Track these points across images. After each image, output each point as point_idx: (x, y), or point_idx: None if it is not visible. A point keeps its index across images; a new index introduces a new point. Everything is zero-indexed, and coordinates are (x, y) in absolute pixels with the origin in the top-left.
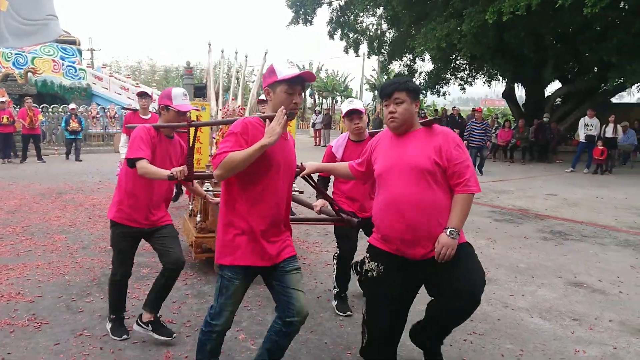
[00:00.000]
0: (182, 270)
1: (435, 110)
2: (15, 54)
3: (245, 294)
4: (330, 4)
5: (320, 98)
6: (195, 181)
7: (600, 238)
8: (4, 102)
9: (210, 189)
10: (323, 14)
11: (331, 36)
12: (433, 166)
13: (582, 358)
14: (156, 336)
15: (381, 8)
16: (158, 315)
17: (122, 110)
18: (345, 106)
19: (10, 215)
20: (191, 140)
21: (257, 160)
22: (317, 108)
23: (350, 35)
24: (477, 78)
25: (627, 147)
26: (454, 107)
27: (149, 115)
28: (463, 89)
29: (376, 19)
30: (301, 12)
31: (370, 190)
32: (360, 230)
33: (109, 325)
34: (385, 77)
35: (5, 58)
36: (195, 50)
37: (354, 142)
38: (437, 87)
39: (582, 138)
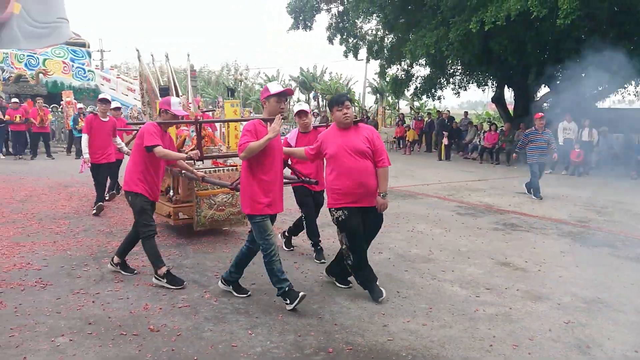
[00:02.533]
0: (166, 248)
1: (429, 113)
2: (28, 56)
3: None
4: (328, 10)
5: (324, 100)
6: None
7: (546, 229)
8: (17, 102)
9: (199, 166)
10: (322, 20)
11: (330, 41)
12: (366, 149)
13: (478, 314)
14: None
15: (374, 15)
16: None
17: (86, 112)
18: (296, 108)
19: (22, 204)
20: (198, 132)
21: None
22: (315, 110)
23: (350, 40)
24: (471, 83)
25: (605, 151)
26: (443, 111)
27: (107, 119)
28: (457, 93)
29: (375, 24)
30: (300, 18)
31: (315, 169)
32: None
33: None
34: (386, 81)
35: (18, 60)
36: (202, 52)
37: (303, 134)
38: (433, 91)
39: (560, 141)
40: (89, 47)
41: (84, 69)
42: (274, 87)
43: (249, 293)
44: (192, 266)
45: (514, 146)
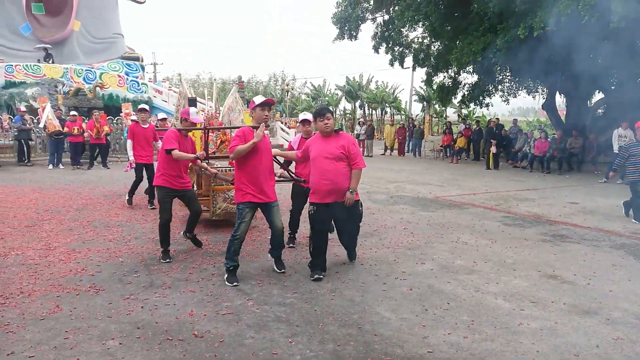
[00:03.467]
0: (212, 256)
1: (477, 121)
2: (86, 70)
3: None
4: (373, 20)
5: (370, 109)
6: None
7: (598, 241)
8: (75, 115)
9: (217, 165)
10: (367, 29)
11: (376, 50)
12: (341, 154)
13: (522, 328)
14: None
15: (420, 23)
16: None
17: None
18: (301, 116)
19: (78, 212)
20: (206, 136)
21: (250, 150)
22: (361, 119)
23: (395, 48)
24: (520, 90)
25: None
26: (491, 119)
27: (147, 125)
28: (506, 100)
29: (420, 32)
30: (346, 28)
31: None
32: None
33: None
34: (433, 89)
35: (77, 74)
36: (250, 63)
37: (304, 139)
38: (481, 98)
39: (615, 149)
40: (142, 60)
41: (137, 82)
42: (258, 99)
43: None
44: (236, 274)
45: (612, 164)
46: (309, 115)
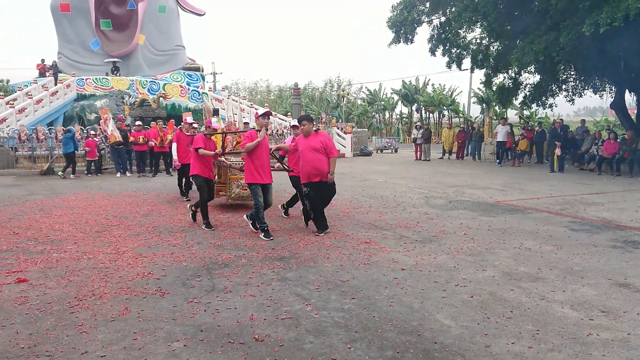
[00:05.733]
0: (271, 261)
1: (539, 123)
2: (150, 82)
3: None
4: (430, 22)
5: (427, 113)
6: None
7: None
8: (140, 124)
9: (232, 160)
10: (423, 32)
11: (433, 53)
12: (320, 147)
13: (591, 339)
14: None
15: (478, 24)
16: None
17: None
18: (292, 123)
19: (144, 217)
20: (223, 138)
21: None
22: (418, 123)
23: (453, 50)
24: (586, 89)
25: None
26: (555, 119)
27: (189, 134)
28: (571, 100)
29: (479, 32)
30: (401, 32)
31: (297, 160)
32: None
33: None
34: (492, 90)
35: (142, 85)
36: (306, 70)
37: (294, 138)
38: (543, 98)
39: None
40: (202, 70)
41: (198, 92)
42: (261, 111)
43: (271, 237)
44: (295, 279)
45: None
46: (295, 122)
